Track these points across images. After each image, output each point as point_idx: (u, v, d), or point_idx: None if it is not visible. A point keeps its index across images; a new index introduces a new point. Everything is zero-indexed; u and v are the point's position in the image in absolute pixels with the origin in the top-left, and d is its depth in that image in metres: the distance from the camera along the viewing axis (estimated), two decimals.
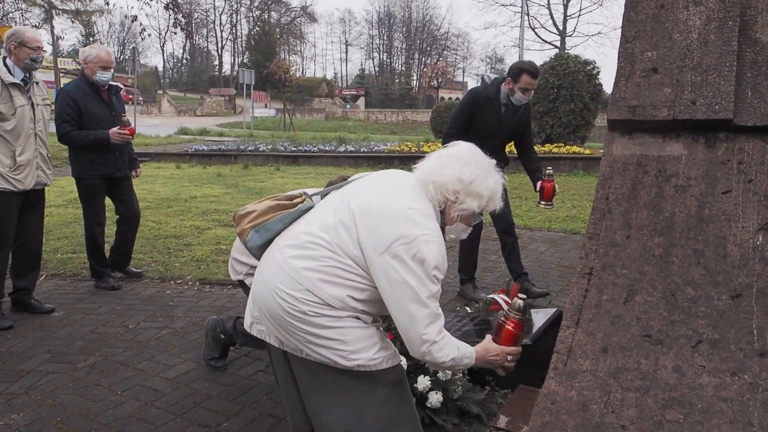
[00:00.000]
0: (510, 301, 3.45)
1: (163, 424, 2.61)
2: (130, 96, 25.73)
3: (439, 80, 57.26)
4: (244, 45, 66.49)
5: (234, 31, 67.57)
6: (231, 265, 2.91)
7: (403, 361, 2.33)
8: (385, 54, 73.90)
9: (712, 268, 1.59)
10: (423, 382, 2.55)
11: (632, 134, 1.85)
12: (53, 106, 4.22)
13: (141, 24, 17.06)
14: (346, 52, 77.75)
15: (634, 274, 1.66)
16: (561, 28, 42.21)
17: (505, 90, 4.06)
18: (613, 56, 1.94)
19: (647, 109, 1.78)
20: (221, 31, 67.40)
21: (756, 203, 1.62)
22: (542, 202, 4.02)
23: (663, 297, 1.61)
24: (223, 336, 3.12)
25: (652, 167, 1.78)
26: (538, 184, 4.08)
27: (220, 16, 67.39)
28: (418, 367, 2.60)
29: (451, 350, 1.72)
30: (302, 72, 71.99)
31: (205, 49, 71.80)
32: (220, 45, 68.22)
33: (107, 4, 16.94)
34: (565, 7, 42.25)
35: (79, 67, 4.54)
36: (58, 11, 23.12)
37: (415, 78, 68.93)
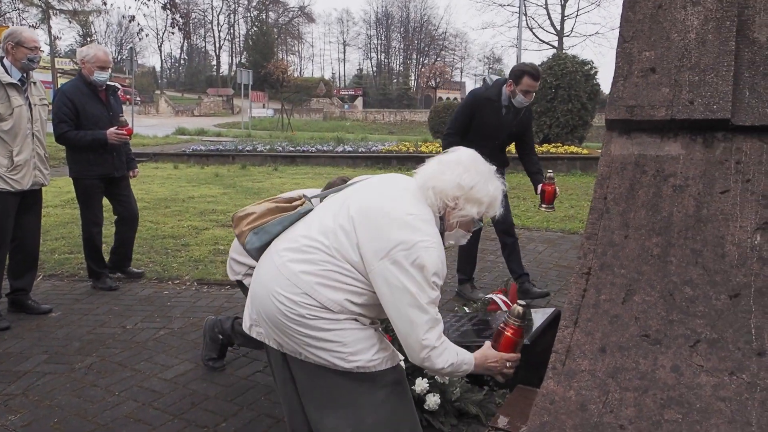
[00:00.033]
0: (508, 302, 3.47)
1: (160, 425, 2.60)
2: (128, 96, 25.66)
3: (437, 80, 57.23)
4: (241, 45, 66.46)
5: (232, 31, 67.70)
6: (229, 265, 2.91)
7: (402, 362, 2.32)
8: (383, 54, 73.94)
9: (710, 268, 1.59)
10: (421, 384, 2.54)
11: (630, 134, 1.85)
12: (51, 106, 4.22)
13: (138, 24, 17.14)
14: (344, 52, 77.82)
15: (633, 273, 1.66)
16: (559, 28, 42.22)
17: (506, 92, 4.05)
18: (611, 56, 1.94)
19: (645, 109, 1.79)
20: (219, 31, 67.47)
21: (754, 203, 1.62)
22: (543, 205, 4.03)
23: (661, 297, 1.61)
24: (221, 336, 3.12)
25: (650, 167, 1.78)
26: (539, 187, 4.07)
27: (218, 16, 67.57)
28: (416, 369, 2.59)
29: (450, 356, 1.72)
30: (300, 72, 72.01)
31: (203, 49, 71.84)
32: (217, 45, 68.28)
33: (104, 4, 16.85)
34: (563, 7, 42.24)
35: (77, 67, 4.53)
36: (55, 11, 23.13)
37: (413, 78, 68.92)
